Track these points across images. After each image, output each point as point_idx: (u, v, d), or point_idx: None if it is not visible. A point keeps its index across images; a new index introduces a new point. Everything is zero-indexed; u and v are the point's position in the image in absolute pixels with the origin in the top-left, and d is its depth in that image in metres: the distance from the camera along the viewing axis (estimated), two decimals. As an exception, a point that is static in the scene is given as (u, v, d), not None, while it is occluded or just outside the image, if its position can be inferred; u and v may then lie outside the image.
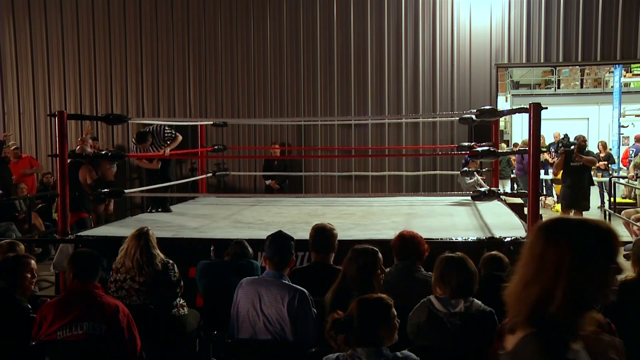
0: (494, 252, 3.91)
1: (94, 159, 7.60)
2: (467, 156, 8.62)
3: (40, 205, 8.42)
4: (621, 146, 14.99)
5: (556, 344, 1.37)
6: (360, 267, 3.24)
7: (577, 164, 8.59)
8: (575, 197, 8.79)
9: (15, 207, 7.76)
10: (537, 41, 9.78)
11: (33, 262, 3.59)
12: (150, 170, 7.69)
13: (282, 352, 3.22)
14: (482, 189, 6.47)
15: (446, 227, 5.58)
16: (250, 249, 4.16)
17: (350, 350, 2.43)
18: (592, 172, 9.80)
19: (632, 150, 12.33)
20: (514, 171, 11.89)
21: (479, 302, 3.04)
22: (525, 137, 12.55)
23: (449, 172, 9.31)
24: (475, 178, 8.52)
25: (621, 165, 13.29)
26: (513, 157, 12.04)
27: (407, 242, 3.72)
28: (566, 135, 9.29)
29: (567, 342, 1.39)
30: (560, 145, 9.03)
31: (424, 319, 3.01)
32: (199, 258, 4.36)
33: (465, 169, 8.27)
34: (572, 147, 8.59)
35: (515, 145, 14.19)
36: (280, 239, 3.47)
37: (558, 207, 12.53)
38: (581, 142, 8.70)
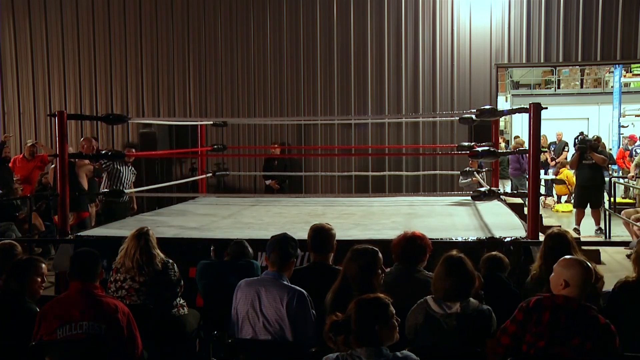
0: (494, 253, 3.90)
1: (93, 159, 7.59)
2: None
3: (39, 204, 8.41)
4: (620, 146, 14.99)
5: None
6: (361, 267, 3.24)
7: (589, 161, 8.96)
8: (589, 194, 9.00)
9: (15, 207, 7.76)
10: (537, 41, 9.78)
11: (44, 266, 3.57)
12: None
13: (281, 352, 3.22)
14: (482, 189, 6.46)
15: (446, 227, 5.57)
16: (250, 249, 4.15)
17: (349, 350, 2.43)
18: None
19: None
20: (509, 171, 11.88)
21: (476, 302, 3.04)
22: (524, 136, 12.56)
23: (449, 172, 9.31)
24: (469, 179, 8.63)
25: (617, 166, 13.30)
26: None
27: (403, 246, 3.70)
28: (582, 133, 9.56)
29: None
30: (576, 142, 9.33)
31: (420, 320, 3.01)
32: (199, 258, 4.35)
33: (467, 169, 8.28)
34: (586, 144, 8.91)
35: (516, 137, 14.19)
36: (280, 239, 3.48)
37: (558, 207, 12.57)
38: (594, 141, 9.15)
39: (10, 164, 8.81)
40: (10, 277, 3.43)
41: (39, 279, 3.50)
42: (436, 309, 3.01)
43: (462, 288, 3.03)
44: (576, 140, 9.45)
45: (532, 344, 2.80)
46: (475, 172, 8.45)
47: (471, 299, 3.04)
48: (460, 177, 8.46)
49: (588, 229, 9.27)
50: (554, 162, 13.78)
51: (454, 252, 3.17)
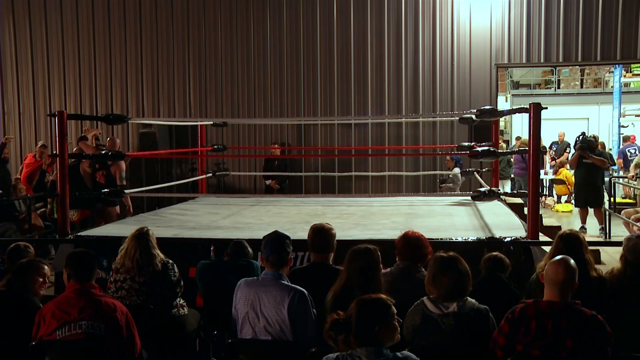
0: (494, 253, 3.90)
1: (93, 159, 7.63)
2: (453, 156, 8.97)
3: (41, 210, 8.44)
4: (621, 146, 14.98)
5: None
6: (361, 267, 3.25)
7: (588, 161, 8.97)
8: (587, 193, 9.02)
9: (15, 207, 7.76)
10: (537, 41, 9.78)
11: (46, 267, 3.66)
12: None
13: (281, 352, 3.22)
14: (482, 189, 6.46)
15: (446, 227, 5.57)
16: (250, 249, 4.15)
17: (349, 349, 2.43)
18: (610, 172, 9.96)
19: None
20: (513, 171, 11.88)
21: (473, 301, 3.03)
22: (525, 136, 12.56)
23: (449, 172, 9.32)
24: (446, 185, 8.85)
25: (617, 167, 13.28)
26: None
27: (411, 243, 3.71)
28: (583, 133, 9.59)
29: None
30: (577, 141, 9.38)
31: (418, 321, 3.00)
32: (199, 258, 4.36)
33: (467, 169, 8.33)
34: (587, 144, 8.97)
35: (518, 138, 14.14)
36: (275, 238, 3.47)
37: (558, 207, 12.56)
38: (590, 141, 9.18)
39: (25, 161, 8.93)
40: (13, 277, 3.52)
41: (41, 280, 3.58)
42: (433, 309, 3.00)
43: (459, 287, 3.02)
44: (577, 139, 9.46)
45: (525, 354, 2.79)
46: (458, 174, 8.69)
47: (468, 298, 3.04)
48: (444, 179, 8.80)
49: (591, 229, 9.26)
50: (553, 162, 13.78)
51: (443, 253, 3.17)
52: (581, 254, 3.54)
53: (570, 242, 3.62)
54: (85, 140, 8.23)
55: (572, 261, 2.90)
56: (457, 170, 9.15)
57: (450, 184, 9.26)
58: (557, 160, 13.37)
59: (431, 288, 3.07)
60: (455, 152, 8.71)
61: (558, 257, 2.97)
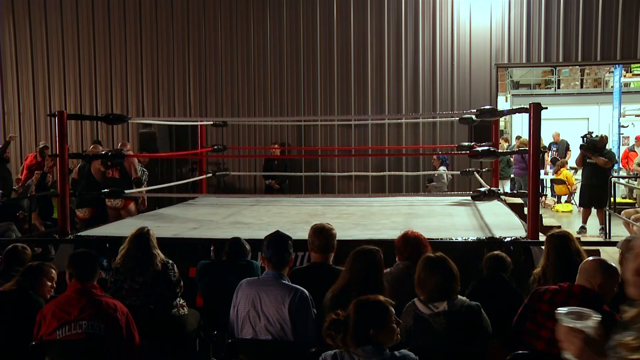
0: (496, 252, 3.89)
1: (93, 159, 7.65)
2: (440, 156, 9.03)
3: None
4: (621, 146, 14.97)
5: None
6: (364, 268, 3.25)
7: (592, 161, 8.99)
8: (593, 193, 9.02)
9: (15, 207, 7.76)
10: (537, 41, 9.78)
11: (54, 271, 3.71)
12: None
13: (282, 352, 3.23)
14: (482, 189, 6.47)
15: (446, 227, 5.57)
16: (247, 247, 4.15)
17: (348, 348, 2.44)
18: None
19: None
20: (513, 171, 11.87)
21: (463, 298, 3.05)
22: (524, 136, 12.54)
23: (449, 172, 9.32)
24: (432, 185, 9.02)
25: (621, 166, 13.27)
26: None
27: (411, 242, 3.72)
28: (589, 133, 9.55)
29: None
30: (584, 140, 9.37)
31: (410, 322, 3.00)
32: (199, 258, 4.36)
33: (467, 169, 8.33)
34: (590, 144, 8.96)
35: (518, 138, 14.13)
36: (277, 238, 3.48)
37: (558, 207, 12.56)
38: (599, 141, 9.22)
39: (25, 162, 8.93)
40: (22, 279, 3.56)
41: (49, 283, 3.64)
42: (424, 309, 3.01)
43: (446, 288, 3.03)
44: (583, 139, 9.41)
45: (532, 319, 2.92)
46: (444, 174, 8.81)
47: (458, 296, 3.05)
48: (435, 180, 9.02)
49: (591, 229, 9.27)
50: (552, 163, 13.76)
51: (430, 254, 3.18)
52: (572, 249, 3.57)
53: (559, 241, 3.62)
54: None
55: (610, 264, 3.00)
56: (441, 169, 9.19)
57: (435, 183, 9.32)
58: (559, 160, 13.35)
59: (419, 290, 3.08)
60: (457, 151, 8.72)
61: (597, 258, 3.11)
